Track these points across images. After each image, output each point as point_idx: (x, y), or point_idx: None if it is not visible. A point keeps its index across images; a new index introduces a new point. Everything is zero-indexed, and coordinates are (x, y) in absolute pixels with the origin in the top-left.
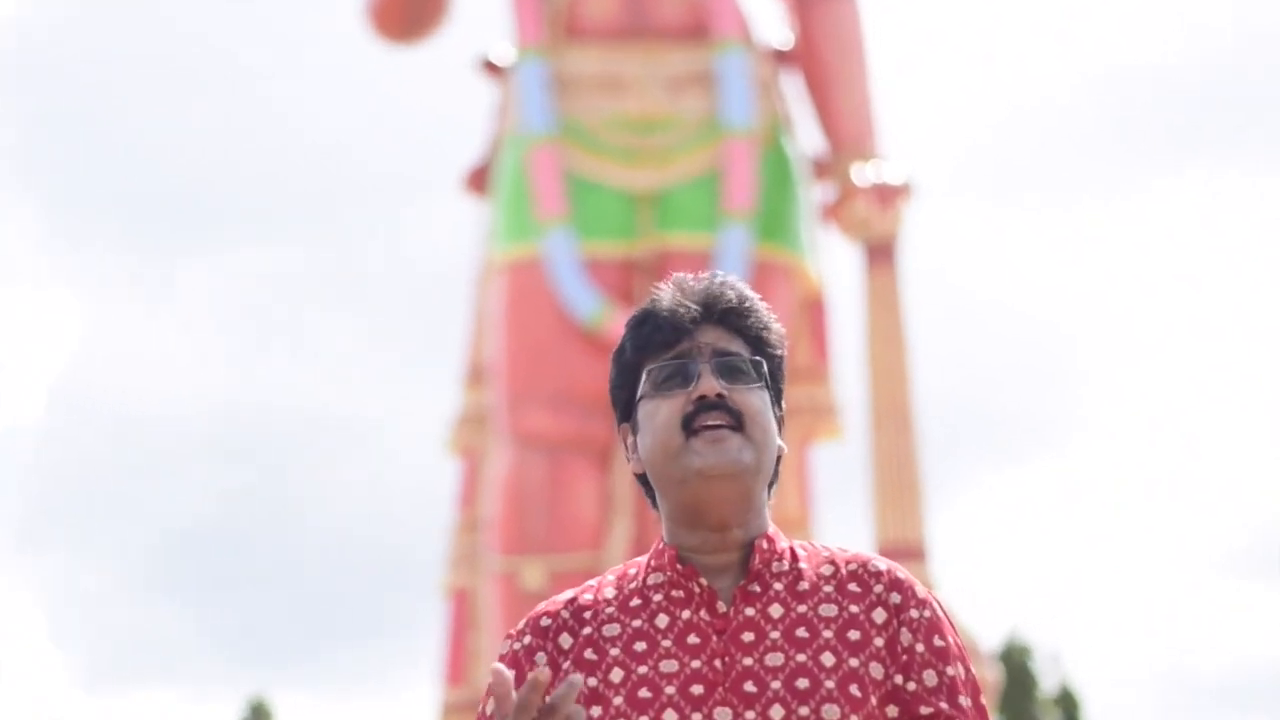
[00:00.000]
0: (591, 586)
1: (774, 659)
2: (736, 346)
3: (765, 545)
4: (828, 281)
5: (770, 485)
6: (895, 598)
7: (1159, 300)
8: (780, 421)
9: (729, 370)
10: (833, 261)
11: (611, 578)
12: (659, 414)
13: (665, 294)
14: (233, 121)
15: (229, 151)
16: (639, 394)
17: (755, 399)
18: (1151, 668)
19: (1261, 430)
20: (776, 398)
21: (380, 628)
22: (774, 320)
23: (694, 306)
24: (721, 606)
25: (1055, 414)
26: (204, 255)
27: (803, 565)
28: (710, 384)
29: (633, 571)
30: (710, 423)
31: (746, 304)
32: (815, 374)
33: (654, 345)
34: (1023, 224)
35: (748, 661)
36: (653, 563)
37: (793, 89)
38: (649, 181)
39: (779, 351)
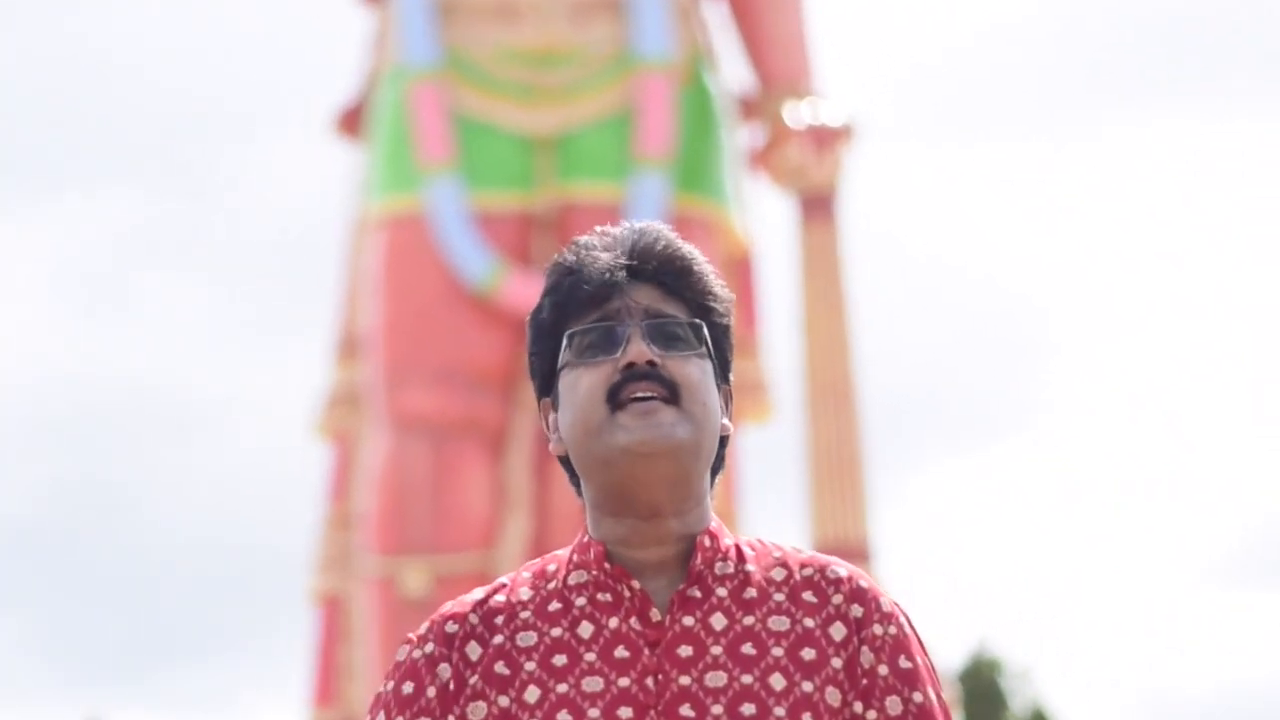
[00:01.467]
0: (503, 585)
1: (715, 679)
2: (673, 308)
3: (708, 542)
4: (756, 238)
5: (714, 473)
6: (856, 610)
7: (1138, 262)
8: (727, 397)
9: (663, 334)
10: (762, 215)
11: (527, 575)
12: (581, 384)
13: (589, 243)
14: (54, 47)
15: (50, 82)
16: (560, 363)
17: (693, 368)
18: (1132, 686)
19: (1256, 414)
20: (722, 370)
21: (237, 639)
22: (718, 279)
23: (624, 259)
24: (655, 614)
25: (1020, 393)
26: (22, 205)
27: (750, 568)
28: (640, 350)
29: (552, 568)
30: (639, 394)
31: (685, 258)
32: (741, 345)
33: (576, 304)
34: (980, 172)
35: (685, 681)
36: (575, 559)
37: (716, 17)
38: (549, 123)
39: (725, 316)
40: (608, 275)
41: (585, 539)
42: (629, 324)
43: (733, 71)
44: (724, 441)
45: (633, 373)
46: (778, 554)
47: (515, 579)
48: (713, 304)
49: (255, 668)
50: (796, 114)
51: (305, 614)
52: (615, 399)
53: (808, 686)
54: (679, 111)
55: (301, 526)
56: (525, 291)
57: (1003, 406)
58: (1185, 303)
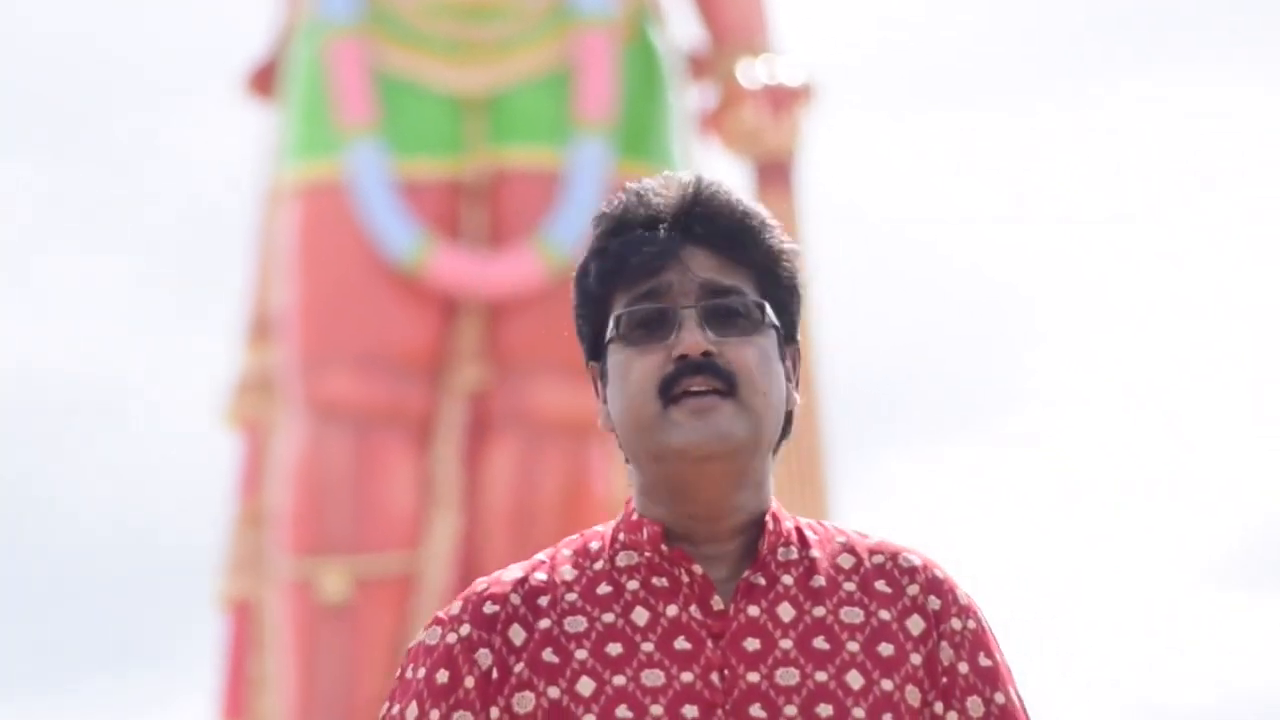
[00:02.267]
0: (542, 563)
1: (787, 676)
2: (735, 276)
3: (771, 525)
4: None
5: (776, 448)
6: (934, 603)
7: (1128, 241)
8: (794, 358)
9: (722, 317)
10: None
11: (568, 553)
12: (631, 372)
13: (640, 196)
14: None
15: None
16: (607, 337)
17: (754, 352)
18: (1119, 698)
19: (1255, 410)
20: (788, 335)
21: (137, 648)
22: (784, 236)
23: (679, 221)
24: (718, 603)
25: (996, 377)
26: None
27: (815, 554)
28: (694, 339)
29: (595, 546)
30: (694, 389)
31: (749, 218)
32: None
33: (626, 274)
34: (954, 138)
35: (753, 678)
36: (624, 538)
37: None
38: (480, 83)
39: (794, 276)
40: (659, 244)
41: (635, 517)
42: (683, 305)
43: (681, 26)
44: (790, 415)
45: (687, 365)
46: (842, 539)
47: (554, 556)
48: (779, 264)
49: (160, 680)
50: (751, 73)
51: (214, 621)
52: (668, 392)
53: (887, 685)
54: (621, 70)
55: (210, 525)
56: (454, 267)
57: (977, 392)
58: (1182, 281)
